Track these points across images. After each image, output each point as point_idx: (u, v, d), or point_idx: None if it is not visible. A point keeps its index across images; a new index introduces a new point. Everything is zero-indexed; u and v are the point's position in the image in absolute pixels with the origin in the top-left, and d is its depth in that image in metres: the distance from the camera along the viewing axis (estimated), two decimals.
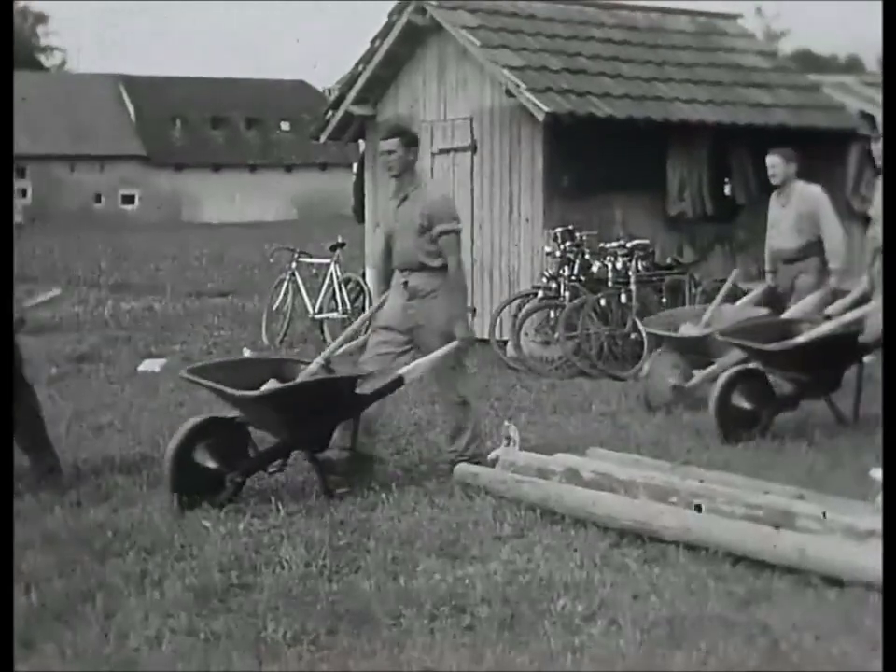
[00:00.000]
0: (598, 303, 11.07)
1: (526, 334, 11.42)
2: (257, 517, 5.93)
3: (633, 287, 11.10)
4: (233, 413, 6.56)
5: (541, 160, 11.98)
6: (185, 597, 4.77)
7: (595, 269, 11.41)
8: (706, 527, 5.24)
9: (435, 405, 9.17)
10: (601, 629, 4.39)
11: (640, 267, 11.35)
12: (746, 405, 7.73)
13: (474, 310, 12.71)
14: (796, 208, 8.95)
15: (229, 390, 6.31)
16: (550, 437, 7.87)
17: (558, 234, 11.55)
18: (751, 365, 7.96)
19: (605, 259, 11.39)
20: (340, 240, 14.07)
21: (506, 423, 6.95)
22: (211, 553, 5.32)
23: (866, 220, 13.75)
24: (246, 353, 12.57)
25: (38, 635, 4.41)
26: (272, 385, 6.44)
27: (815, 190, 9.01)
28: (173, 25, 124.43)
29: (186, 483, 6.12)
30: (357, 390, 6.53)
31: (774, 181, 9.09)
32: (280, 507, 6.07)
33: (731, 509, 5.38)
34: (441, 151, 13.00)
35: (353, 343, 7.14)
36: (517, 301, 11.70)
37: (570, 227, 11.63)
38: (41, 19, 79.84)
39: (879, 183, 8.11)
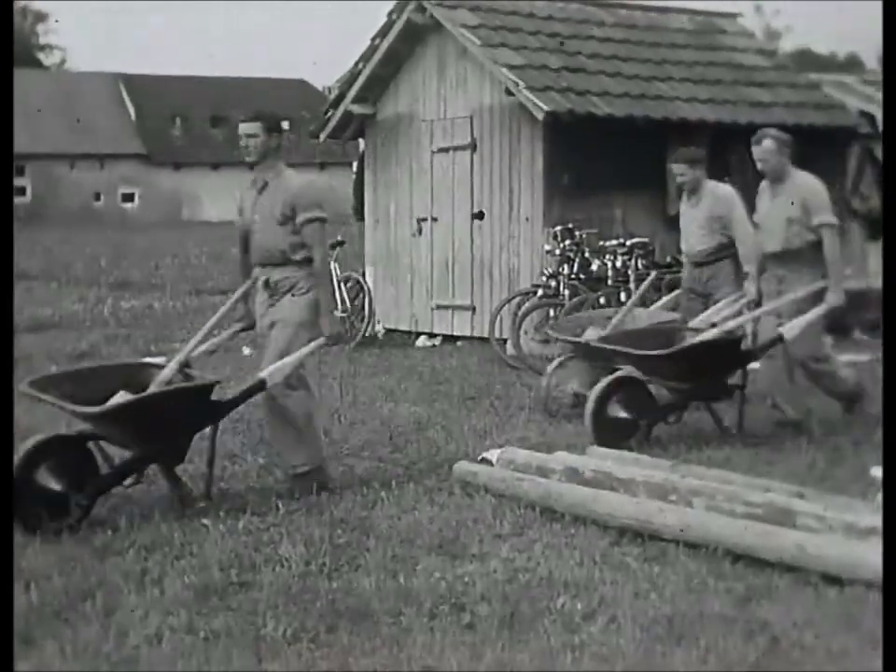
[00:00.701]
0: (598, 302, 11.06)
1: (526, 332, 11.42)
2: (256, 515, 5.94)
3: (632, 285, 11.09)
4: (81, 427, 6.11)
5: (541, 158, 11.98)
6: (185, 595, 4.77)
7: (594, 267, 11.41)
8: (705, 525, 5.25)
9: (435, 403, 9.19)
10: (601, 627, 4.39)
11: (640, 265, 11.35)
12: (623, 414, 7.50)
13: (474, 308, 12.74)
14: (707, 210, 8.65)
15: (71, 406, 5.84)
16: (549, 435, 7.87)
17: (558, 233, 11.55)
18: (631, 373, 7.69)
19: (604, 257, 11.39)
20: (339, 238, 14.07)
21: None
22: (211, 552, 5.32)
23: (866, 220, 13.84)
24: (246, 351, 12.57)
25: (38, 632, 4.41)
26: (120, 397, 5.94)
27: (726, 191, 8.73)
28: (173, 25, 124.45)
29: (29, 507, 5.56)
30: (215, 397, 6.14)
31: (684, 188, 8.87)
32: (280, 505, 6.07)
33: (731, 507, 5.38)
34: (441, 150, 13.00)
35: (214, 341, 6.73)
36: (517, 300, 11.70)
37: (570, 225, 11.63)
38: (41, 17, 79.83)
39: (765, 185, 8.09)
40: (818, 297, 7.70)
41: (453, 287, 13.03)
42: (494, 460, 6.70)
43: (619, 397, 7.52)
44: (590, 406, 7.46)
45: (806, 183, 7.95)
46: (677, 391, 7.72)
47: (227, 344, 13.15)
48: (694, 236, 8.73)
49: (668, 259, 11.98)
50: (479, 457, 6.91)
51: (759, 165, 7.99)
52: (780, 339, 7.57)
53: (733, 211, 8.56)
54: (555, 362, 8.91)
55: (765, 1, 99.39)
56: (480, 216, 12.66)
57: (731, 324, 7.79)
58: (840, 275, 7.76)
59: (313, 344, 6.39)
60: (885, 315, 5.68)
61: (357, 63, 13.69)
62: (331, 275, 13.39)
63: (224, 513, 5.95)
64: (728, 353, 7.70)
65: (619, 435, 7.35)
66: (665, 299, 9.23)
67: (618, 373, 7.67)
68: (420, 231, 13.37)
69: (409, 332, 13.61)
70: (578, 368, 8.76)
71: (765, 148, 7.92)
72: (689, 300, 8.82)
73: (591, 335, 8.44)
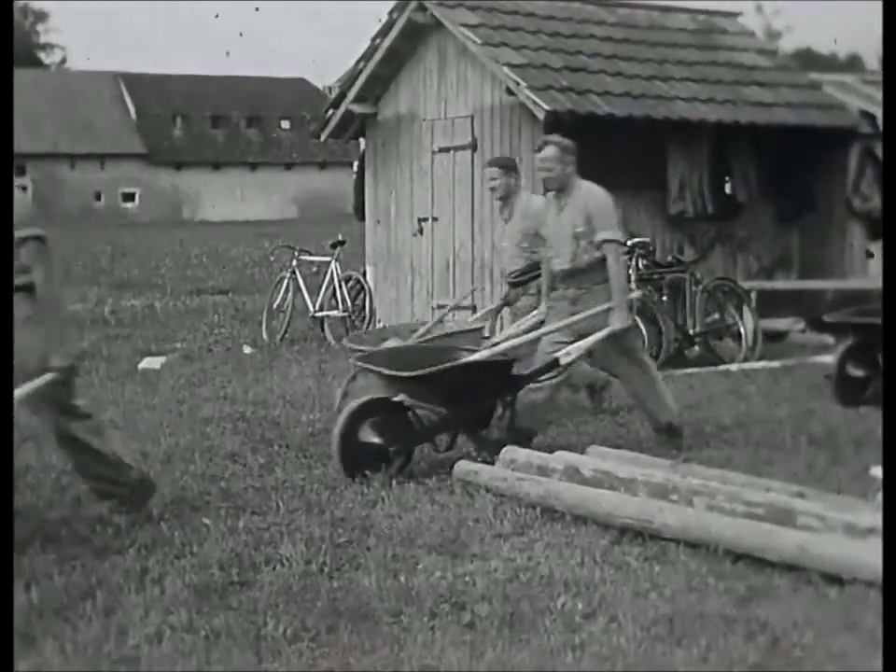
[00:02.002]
0: None
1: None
2: (256, 514, 5.94)
3: (633, 285, 11.08)
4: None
5: None
6: (185, 594, 4.77)
7: None
8: (706, 525, 5.25)
9: None
10: (601, 627, 4.39)
11: (641, 265, 11.34)
12: (374, 439, 6.76)
13: (474, 308, 12.74)
14: (521, 224, 8.18)
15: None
16: (550, 434, 7.87)
17: None
18: (386, 395, 7.00)
19: None
20: (340, 238, 14.08)
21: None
22: (211, 551, 5.32)
23: (867, 220, 13.85)
24: (247, 350, 12.59)
25: (38, 631, 4.41)
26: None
27: (540, 202, 8.00)
28: (173, 24, 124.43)
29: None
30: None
31: (494, 195, 8.45)
32: (280, 504, 6.08)
33: (731, 506, 5.38)
34: (442, 149, 13.00)
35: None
36: None
37: None
38: (41, 16, 79.86)
39: (550, 197, 7.51)
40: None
41: (453, 286, 13.03)
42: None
43: (373, 420, 6.79)
44: (337, 429, 6.74)
45: (592, 195, 7.38)
46: (438, 415, 6.96)
47: (228, 343, 13.20)
48: (510, 252, 8.28)
49: (669, 259, 11.99)
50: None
51: (540, 175, 7.44)
52: (556, 364, 7.10)
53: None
54: (349, 375, 8.27)
55: (766, 0, 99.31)
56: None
57: (505, 345, 7.24)
58: (625, 296, 7.30)
59: (39, 380, 5.55)
60: (885, 315, 5.68)
61: (357, 63, 13.69)
62: (332, 275, 13.45)
63: (224, 512, 5.95)
64: (493, 376, 7.07)
65: (368, 463, 6.62)
66: (487, 308, 8.58)
67: (370, 395, 7.08)
68: (421, 231, 13.37)
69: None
70: (370, 382, 7.82)
71: (547, 156, 7.31)
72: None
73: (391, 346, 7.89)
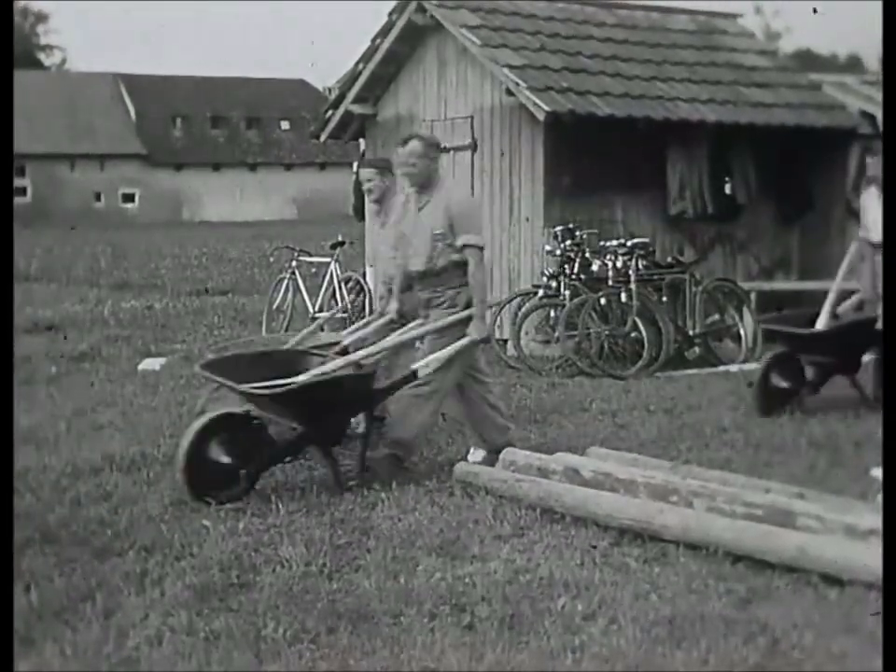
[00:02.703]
0: (598, 302, 11.06)
1: (527, 333, 11.42)
2: (256, 516, 5.93)
3: (633, 286, 11.09)
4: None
5: (542, 158, 11.98)
6: (185, 596, 4.77)
7: (595, 268, 11.40)
8: (706, 526, 5.24)
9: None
10: (601, 628, 4.39)
11: (641, 266, 11.33)
12: (225, 458, 6.24)
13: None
14: (397, 228, 7.67)
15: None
16: (550, 436, 7.87)
17: (558, 233, 11.54)
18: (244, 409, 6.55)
19: (605, 257, 11.38)
20: (340, 238, 14.07)
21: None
22: (211, 552, 5.32)
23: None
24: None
25: (38, 633, 4.41)
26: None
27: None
28: (173, 25, 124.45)
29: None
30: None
31: (370, 197, 8.08)
32: (280, 506, 6.07)
33: (731, 508, 5.38)
34: (441, 150, 12.98)
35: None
36: (517, 300, 11.69)
37: (570, 225, 11.62)
38: (41, 17, 79.87)
39: (411, 194, 7.14)
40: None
41: None
42: (478, 460, 6.71)
43: (222, 438, 6.26)
44: (183, 446, 6.20)
45: (456, 196, 7.04)
46: (296, 430, 6.52)
47: (228, 344, 13.18)
48: (385, 257, 7.83)
49: (669, 260, 11.99)
50: (470, 459, 6.94)
51: (403, 170, 7.07)
52: (414, 375, 6.69)
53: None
54: (211, 388, 7.72)
55: (766, 0, 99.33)
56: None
57: (360, 354, 6.83)
58: (485, 305, 6.95)
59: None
60: (885, 315, 5.68)
61: (357, 64, 13.69)
62: (331, 275, 13.44)
63: (224, 514, 5.95)
64: (350, 390, 6.59)
65: (219, 486, 6.15)
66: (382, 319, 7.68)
67: (224, 409, 6.60)
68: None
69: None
70: (222, 395, 7.36)
71: (412, 151, 6.98)
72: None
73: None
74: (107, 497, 6.34)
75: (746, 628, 4.35)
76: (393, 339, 7.02)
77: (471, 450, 7.17)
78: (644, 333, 10.96)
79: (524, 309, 11.47)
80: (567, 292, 11.23)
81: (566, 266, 11.37)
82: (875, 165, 8.84)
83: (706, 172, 12.67)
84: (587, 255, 11.45)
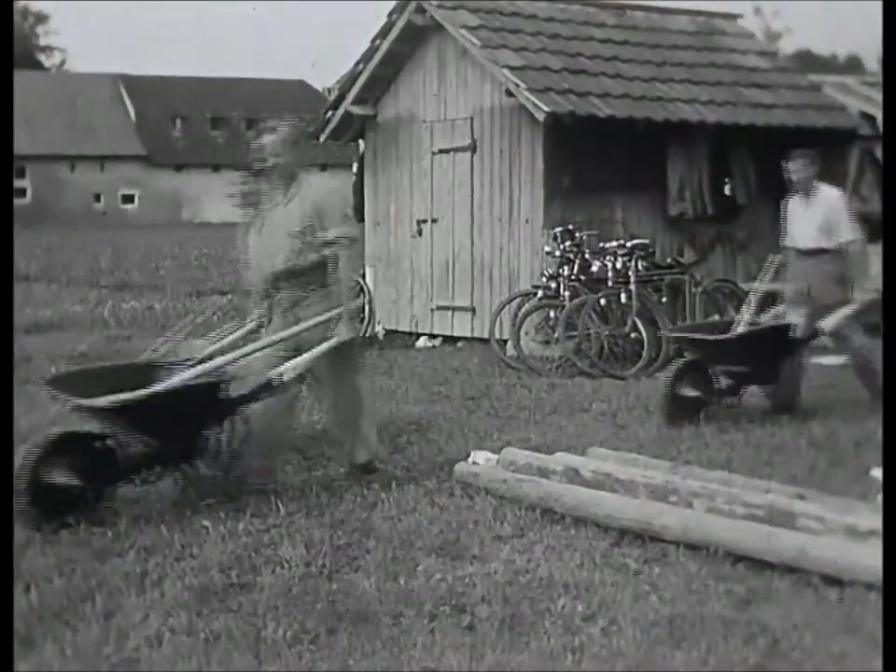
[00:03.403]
0: (598, 303, 11.07)
1: (526, 333, 11.42)
2: (256, 517, 5.93)
3: (633, 286, 11.10)
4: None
5: (541, 159, 11.98)
6: (185, 597, 4.77)
7: (594, 268, 11.41)
8: (706, 527, 5.24)
9: (435, 404, 9.18)
10: (601, 629, 4.39)
11: (640, 267, 11.35)
12: (67, 479, 5.71)
13: (474, 309, 12.74)
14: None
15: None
16: (550, 436, 7.87)
17: (558, 234, 11.55)
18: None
19: (605, 258, 11.39)
20: None
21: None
22: (211, 553, 5.32)
23: (866, 222, 13.83)
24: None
25: (38, 634, 4.41)
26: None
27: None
28: (173, 25, 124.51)
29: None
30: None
31: (241, 202, 7.59)
32: (280, 506, 6.07)
33: (731, 508, 5.38)
34: (441, 151, 13.00)
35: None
36: (517, 301, 11.70)
37: (570, 226, 11.63)
38: (41, 18, 79.88)
39: (276, 188, 6.62)
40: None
41: (453, 288, 13.03)
42: (481, 462, 6.72)
43: (65, 456, 5.75)
44: (19, 468, 5.60)
45: (321, 189, 6.59)
46: (142, 449, 6.09)
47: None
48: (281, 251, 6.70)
49: (669, 261, 11.99)
50: (470, 460, 6.94)
51: (267, 163, 6.59)
52: (271, 384, 6.22)
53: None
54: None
55: (766, 1, 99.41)
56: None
57: (214, 363, 6.28)
58: (352, 303, 6.54)
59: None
60: (885, 316, 5.68)
61: (357, 64, 13.69)
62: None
63: (224, 515, 5.95)
64: (198, 402, 6.10)
65: (56, 508, 5.66)
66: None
67: (65, 428, 6.21)
68: (420, 233, 13.37)
69: (409, 333, 13.60)
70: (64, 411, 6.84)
71: (275, 141, 6.50)
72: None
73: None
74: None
75: (746, 629, 4.35)
76: (253, 346, 6.44)
77: (472, 451, 7.16)
78: (644, 334, 10.97)
79: (524, 309, 11.47)
80: (567, 293, 11.24)
81: (565, 267, 11.38)
82: (800, 170, 8.66)
83: (706, 173, 12.67)
84: (587, 256, 11.46)
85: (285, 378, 6.24)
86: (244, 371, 6.30)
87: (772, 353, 8.46)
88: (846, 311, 8.52)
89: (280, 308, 6.58)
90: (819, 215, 8.60)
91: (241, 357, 6.31)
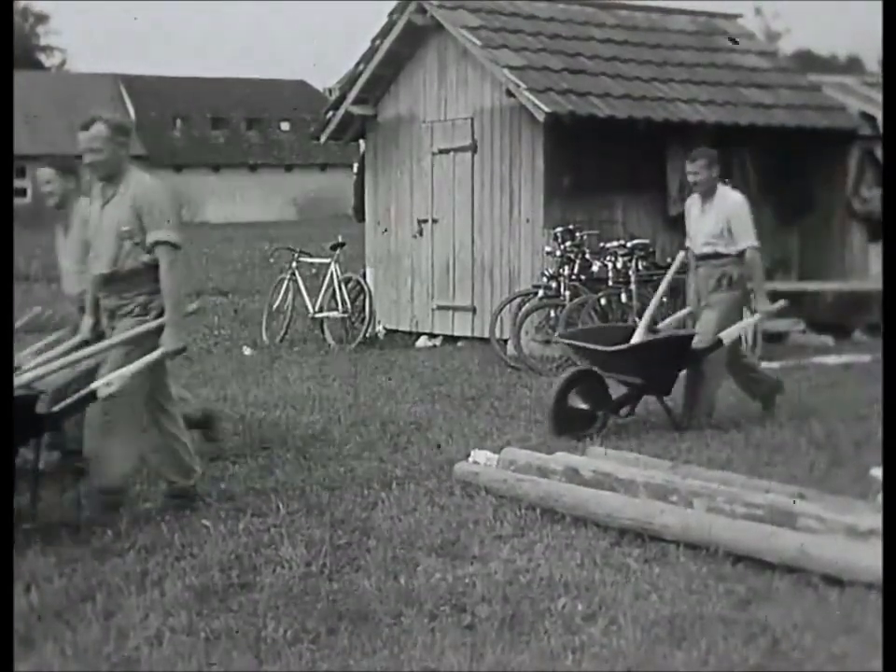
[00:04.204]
0: (599, 303, 11.07)
1: (527, 333, 11.42)
2: (257, 516, 5.93)
3: (633, 286, 11.10)
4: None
5: (542, 159, 11.98)
6: (185, 597, 4.77)
7: (595, 268, 11.42)
8: (706, 526, 5.24)
9: (436, 404, 9.19)
10: (602, 628, 4.39)
11: (641, 267, 11.35)
12: None
13: (474, 309, 12.74)
14: (80, 233, 6.65)
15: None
16: (550, 436, 7.86)
17: (558, 234, 11.55)
18: None
19: (605, 258, 11.39)
20: (340, 239, 14.08)
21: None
22: (211, 553, 5.32)
23: (867, 221, 13.84)
24: (247, 351, 12.58)
25: (38, 634, 4.41)
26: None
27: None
28: (173, 25, 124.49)
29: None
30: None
31: (49, 202, 6.95)
32: (280, 506, 6.07)
33: (731, 508, 5.38)
34: (442, 151, 13.00)
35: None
36: (517, 301, 11.70)
37: (571, 226, 11.63)
38: (41, 18, 79.86)
39: (98, 189, 6.11)
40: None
41: (453, 287, 13.03)
42: (482, 461, 6.72)
43: None
44: None
45: (145, 188, 6.03)
46: None
47: (228, 344, 13.19)
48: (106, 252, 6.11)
49: (669, 261, 11.97)
50: (470, 460, 6.94)
51: (86, 159, 6.08)
52: (94, 396, 5.75)
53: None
54: None
55: (765, 1, 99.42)
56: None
57: (27, 375, 5.80)
58: (179, 311, 6.07)
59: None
60: (885, 316, 5.68)
61: (357, 65, 13.69)
62: (331, 276, 13.45)
63: (224, 514, 5.95)
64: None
65: None
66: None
67: None
68: (421, 233, 13.37)
69: (409, 333, 13.60)
70: None
71: (95, 135, 6.02)
72: None
73: None
74: None
75: (746, 629, 4.35)
76: (71, 357, 6.05)
77: (473, 450, 7.16)
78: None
79: (524, 309, 11.47)
80: (568, 293, 11.24)
81: (566, 267, 11.38)
82: (698, 171, 8.30)
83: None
84: (587, 256, 11.46)
85: (111, 389, 5.74)
86: (57, 383, 6.01)
87: (669, 364, 8.08)
88: (746, 322, 8.39)
89: (105, 316, 6.18)
90: (717, 218, 8.25)
91: (55, 370, 5.94)
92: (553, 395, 7.95)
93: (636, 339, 8.17)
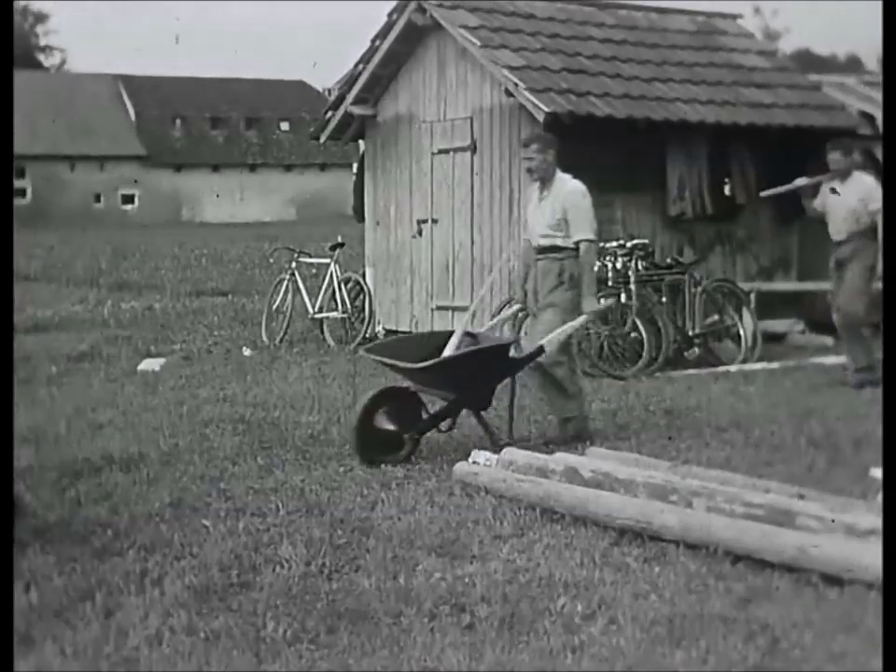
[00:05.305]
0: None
1: (526, 333, 11.40)
2: (256, 516, 5.94)
3: (633, 286, 11.10)
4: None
5: None
6: (184, 596, 4.77)
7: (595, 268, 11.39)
8: (705, 526, 5.24)
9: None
10: (601, 628, 4.39)
11: (640, 267, 11.34)
12: None
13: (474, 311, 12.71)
14: None
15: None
16: (549, 436, 7.86)
17: None
18: None
19: (605, 258, 11.38)
20: (339, 240, 14.08)
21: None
22: (211, 552, 5.32)
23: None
24: (246, 352, 12.57)
25: (38, 633, 4.41)
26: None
27: None
28: (173, 25, 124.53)
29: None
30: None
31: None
32: (280, 505, 6.08)
33: (731, 507, 5.38)
34: (441, 151, 13.00)
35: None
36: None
37: None
38: (41, 18, 79.85)
39: None
40: None
41: (453, 288, 13.03)
42: (481, 462, 6.72)
43: None
44: None
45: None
46: None
47: (228, 345, 13.20)
48: None
49: (668, 261, 11.99)
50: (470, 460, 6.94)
51: None
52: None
53: None
54: None
55: (765, 0, 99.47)
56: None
57: None
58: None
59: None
60: (885, 315, 5.69)
61: (357, 65, 13.69)
62: (331, 276, 13.45)
63: (224, 514, 5.95)
64: None
65: None
66: None
67: None
68: (420, 233, 13.37)
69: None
70: None
71: None
72: None
73: None
74: (107, 496, 6.35)
75: (745, 628, 4.35)
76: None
77: (473, 451, 7.16)
78: (644, 334, 10.97)
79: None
80: None
81: None
82: (533, 155, 7.81)
83: (705, 172, 12.67)
84: None
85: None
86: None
87: (485, 376, 7.44)
88: (571, 326, 7.57)
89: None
90: (554, 208, 7.70)
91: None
92: (355, 416, 7.18)
93: (447, 350, 7.48)
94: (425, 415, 7.39)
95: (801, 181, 10.42)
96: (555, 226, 7.70)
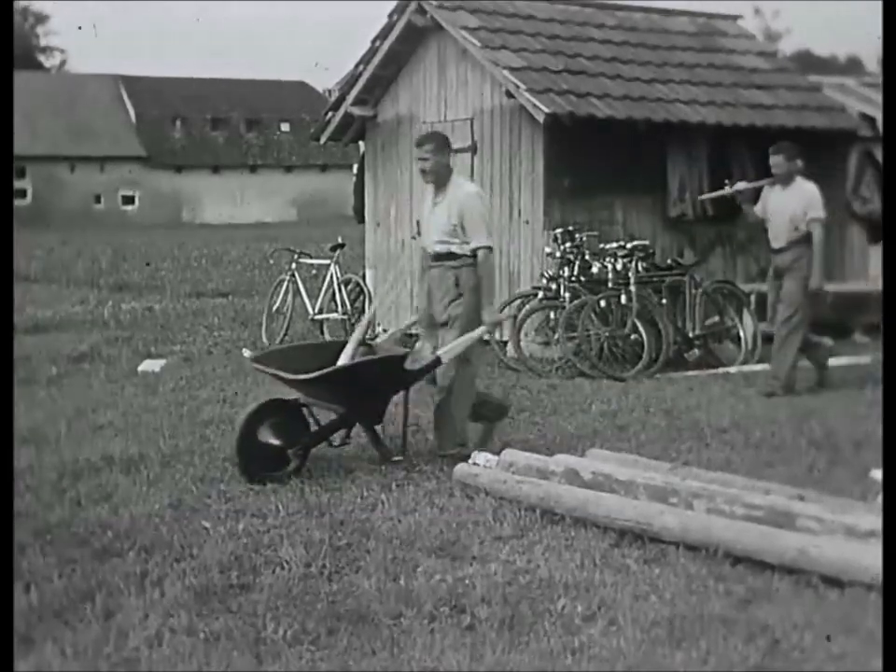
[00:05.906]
0: (598, 304, 11.07)
1: (526, 335, 11.42)
2: (256, 517, 5.94)
3: (633, 287, 11.10)
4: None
5: (541, 160, 11.98)
6: (185, 597, 4.77)
7: (595, 270, 11.42)
8: (705, 527, 5.24)
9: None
10: (601, 629, 4.40)
11: (640, 268, 11.35)
12: None
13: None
14: None
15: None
16: (549, 437, 7.87)
17: (558, 235, 11.56)
18: None
19: (605, 259, 11.39)
20: (340, 241, 14.08)
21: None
22: (211, 553, 5.32)
23: (867, 223, 13.85)
24: (247, 353, 12.56)
25: (38, 633, 4.41)
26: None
27: None
28: (173, 25, 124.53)
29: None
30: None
31: None
32: (280, 507, 6.07)
33: (731, 509, 5.38)
34: None
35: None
36: (517, 302, 11.70)
37: (570, 227, 11.64)
38: (41, 18, 79.85)
39: None
40: None
41: None
42: (481, 463, 6.72)
43: None
44: None
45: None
46: None
47: (228, 346, 13.19)
48: None
49: (668, 262, 11.99)
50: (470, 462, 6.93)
51: None
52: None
53: None
54: None
55: (765, 1, 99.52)
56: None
57: None
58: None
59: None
60: (885, 317, 5.68)
61: (357, 65, 13.70)
62: (331, 277, 13.44)
63: (224, 515, 5.95)
64: None
65: None
66: None
67: None
68: (420, 234, 13.35)
69: (409, 335, 13.58)
70: None
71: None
72: None
73: None
74: (107, 497, 6.34)
75: (746, 629, 4.35)
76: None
77: (474, 452, 7.15)
78: (644, 335, 10.97)
79: (524, 311, 11.47)
80: (567, 294, 11.24)
81: (565, 268, 11.38)
82: (425, 156, 7.26)
83: (705, 174, 12.67)
84: (587, 257, 11.46)
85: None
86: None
87: (376, 389, 7.05)
88: (469, 337, 7.17)
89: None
90: (450, 213, 7.24)
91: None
92: (236, 430, 6.79)
93: (340, 361, 7.11)
94: (314, 428, 6.99)
95: (741, 185, 10.38)
96: (451, 232, 7.24)
